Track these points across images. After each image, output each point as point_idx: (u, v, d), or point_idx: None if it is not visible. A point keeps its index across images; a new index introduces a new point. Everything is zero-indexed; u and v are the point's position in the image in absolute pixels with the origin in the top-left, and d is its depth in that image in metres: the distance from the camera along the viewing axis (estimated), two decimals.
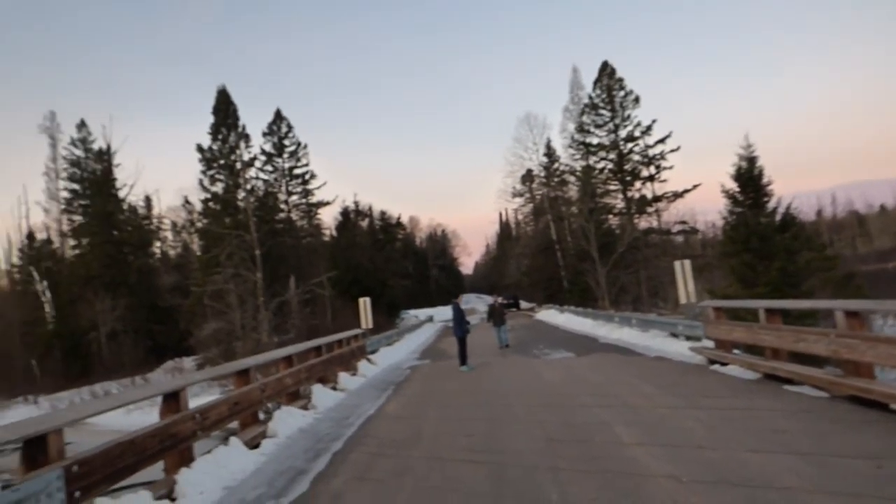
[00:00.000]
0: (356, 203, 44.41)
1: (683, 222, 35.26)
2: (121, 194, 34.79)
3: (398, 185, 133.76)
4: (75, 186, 34.68)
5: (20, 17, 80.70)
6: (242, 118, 32.36)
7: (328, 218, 47.26)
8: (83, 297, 30.51)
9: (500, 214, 79.29)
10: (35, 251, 35.10)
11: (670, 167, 35.88)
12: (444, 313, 45.31)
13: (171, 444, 5.15)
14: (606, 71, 37.56)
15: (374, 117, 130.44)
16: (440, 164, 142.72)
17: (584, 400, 7.41)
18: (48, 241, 35.75)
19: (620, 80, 37.20)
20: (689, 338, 11.46)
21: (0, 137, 78.32)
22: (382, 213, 50.72)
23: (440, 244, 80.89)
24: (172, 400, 5.65)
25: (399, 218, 54.91)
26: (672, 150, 35.74)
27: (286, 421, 7.19)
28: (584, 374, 9.83)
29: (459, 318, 11.87)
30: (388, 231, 50.37)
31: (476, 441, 5.80)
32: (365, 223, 45.05)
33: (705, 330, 9.88)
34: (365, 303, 15.30)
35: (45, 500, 3.76)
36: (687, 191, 34.85)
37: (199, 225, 34.54)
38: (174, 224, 42.18)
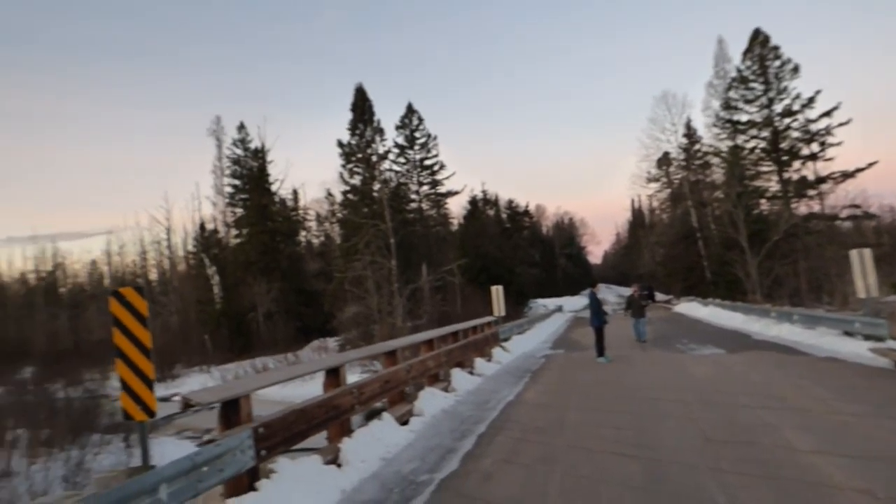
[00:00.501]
0: (484, 192, 44.95)
1: (855, 206, 30.78)
2: (273, 188, 38.50)
3: (525, 174, 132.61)
4: (236, 182, 39.00)
5: (195, 37, 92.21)
6: (377, 113, 34.17)
7: (456, 207, 48.35)
8: (244, 281, 34.34)
9: (633, 201, 75.25)
10: (205, 240, 40.17)
11: (838, 143, 31.44)
12: (572, 303, 44.34)
13: (335, 415, 5.61)
14: (758, 39, 33.81)
15: (502, 106, 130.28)
16: (568, 151, 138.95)
17: (742, 400, 6.82)
18: (215, 231, 40.67)
19: (775, 48, 33.27)
20: (868, 337, 10.02)
21: (179, 142, 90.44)
22: (510, 202, 50.73)
23: (567, 233, 79.07)
24: (333, 375, 6.16)
25: (526, 206, 54.62)
26: (841, 124, 31.24)
27: (430, 401, 7.51)
28: (740, 372, 9.04)
29: (596, 307, 11.50)
30: (515, 220, 50.33)
31: (625, 434, 5.60)
32: (492, 212, 45.45)
33: (891, 329, 8.57)
34: (497, 291, 15.45)
35: (240, 455, 4.29)
36: (860, 170, 30.32)
37: (339, 215, 37.19)
38: (317, 215, 45.82)
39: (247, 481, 4.47)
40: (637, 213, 72.99)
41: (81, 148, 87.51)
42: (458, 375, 9.28)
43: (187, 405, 4.26)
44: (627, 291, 24.92)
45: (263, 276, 34.13)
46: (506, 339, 14.80)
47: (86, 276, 57.98)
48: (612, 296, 50.38)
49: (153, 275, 49.68)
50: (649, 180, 47.91)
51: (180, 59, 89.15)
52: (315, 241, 45.79)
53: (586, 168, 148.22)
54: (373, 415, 6.83)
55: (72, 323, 48.22)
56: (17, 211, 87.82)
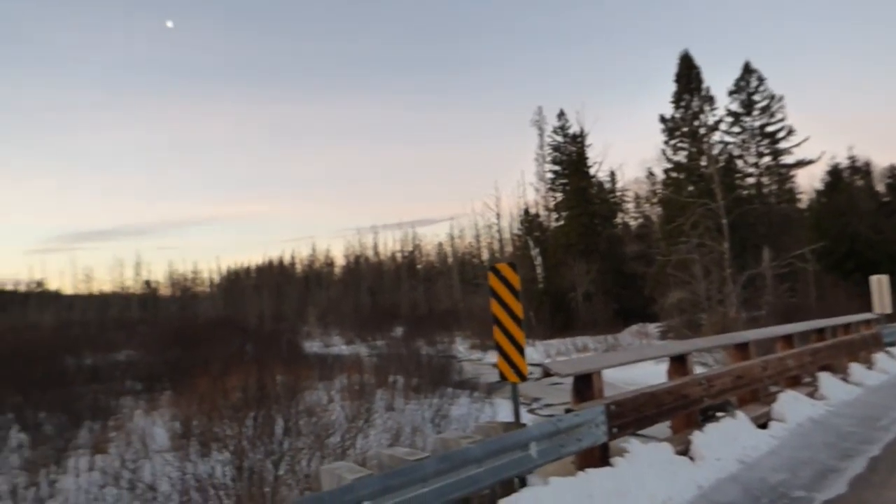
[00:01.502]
0: (851, 159, 36.06)
1: None
2: (591, 172, 38.89)
3: None
4: (557, 168, 40.77)
5: (515, 41, 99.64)
6: (705, 80, 30.86)
7: (807, 180, 40.21)
8: (565, 262, 35.83)
9: None
10: (529, 223, 43.34)
11: None
12: None
13: (683, 405, 5.32)
14: None
15: (875, 52, 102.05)
16: None
17: None
18: (538, 215, 43.48)
19: None
20: None
21: (508, 136, 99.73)
22: (891, 169, 39.48)
23: None
24: (679, 362, 5.85)
25: None
26: None
27: (793, 406, 6.44)
28: None
29: None
30: None
31: None
32: (862, 182, 36.17)
33: None
34: (880, 281, 12.21)
35: (594, 429, 4.44)
36: None
37: (661, 195, 35.21)
38: (636, 195, 44.40)
39: (598, 455, 4.60)
40: None
41: (432, 149, 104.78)
42: (827, 381, 7.71)
43: (547, 373, 4.65)
44: None
45: (583, 257, 34.96)
46: (892, 344, 11.63)
47: (435, 255, 69.59)
48: None
49: (485, 255, 56.34)
50: None
51: (504, 59, 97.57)
52: (633, 222, 44.57)
53: None
54: (711, 410, 6.16)
55: (426, 294, 58.77)
56: (388, 204, 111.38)
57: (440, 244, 69.30)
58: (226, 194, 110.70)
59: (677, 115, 31.26)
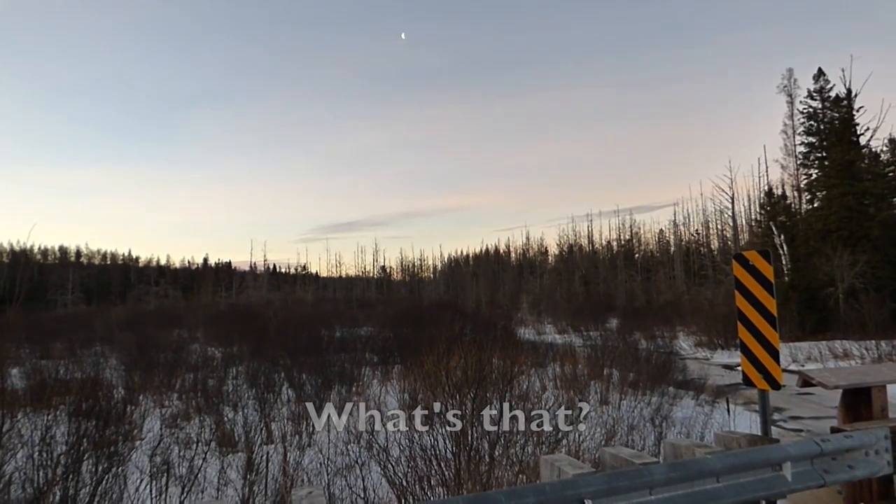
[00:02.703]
0: None
1: None
2: (861, 141, 31.84)
3: None
4: (812, 140, 34.34)
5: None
6: None
7: None
8: (820, 251, 30.17)
9: None
10: (772, 206, 37.43)
11: None
12: None
13: None
14: None
15: None
16: None
17: None
18: (784, 197, 37.31)
19: None
20: None
21: (744, 108, 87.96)
22: None
23: None
24: None
25: None
26: None
27: None
28: None
29: None
30: None
31: None
32: None
33: None
34: None
35: (873, 456, 3.55)
36: None
37: None
38: None
39: (878, 490, 3.70)
40: None
41: (651, 130, 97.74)
42: None
43: (806, 382, 3.85)
44: None
45: (846, 246, 29.01)
46: None
47: (654, 244, 64.95)
48: None
49: (714, 244, 50.58)
50: None
51: (736, 16, 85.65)
52: None
53: None
54: None
55: (644, 285, 55.23)
56: (604, 190, 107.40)
57: (661, 231, 64.62)
58: (449, 187, 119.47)
59: None
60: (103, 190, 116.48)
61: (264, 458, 5.76)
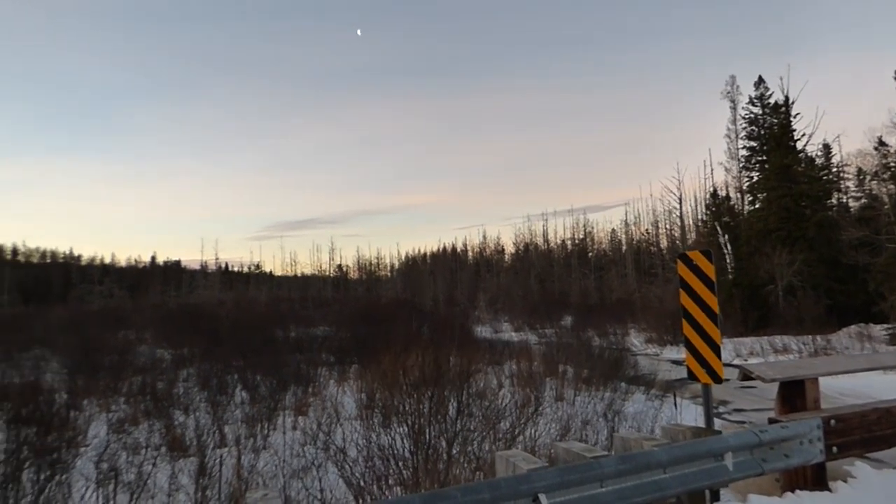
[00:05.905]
0: None
1: None
2: (798, 146, 33.62)
3: None
4: (753, 144, 36.01)
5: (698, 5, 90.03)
6: None
7: None
8: (760, 251, 31.64)
9: None
10: (717, 207, 39.04)
11: None
12: None
13: None
14: None
15: None
16: None
17: None
18: (727, 198, 38.97)
19: None
20: None
21: (690, 113, 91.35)
22: None
23: None
24: None
25: None
26: None
27: None
28: None
29: None
30: None
31: None
32: None
33: None
34: None
35: (807, 445, 3.79)
36: None
37: (895, 168, 29.13)
38: (859, 171, 37.30)
39: (811, 477, 3.94)
40: None
41: (603, 132, 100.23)
42: None
43: (746, 376, 4.06)
44: None
45: (784, 245, 30.54)
46: None
47: (607, 243, 66.67)
48: None
49: (663, 243, 52.34)
50: None
51: (684, 25, 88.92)
52: (854, 203, 37.64)
53: None
54: None
55: (597, 283, 56.63)
56: (559, 190, 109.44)
57: (613, 230, 66.36)
58: (406, 185, 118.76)
59: None
60: (40, 184, 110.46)
61: (217, 461, 5.62)
